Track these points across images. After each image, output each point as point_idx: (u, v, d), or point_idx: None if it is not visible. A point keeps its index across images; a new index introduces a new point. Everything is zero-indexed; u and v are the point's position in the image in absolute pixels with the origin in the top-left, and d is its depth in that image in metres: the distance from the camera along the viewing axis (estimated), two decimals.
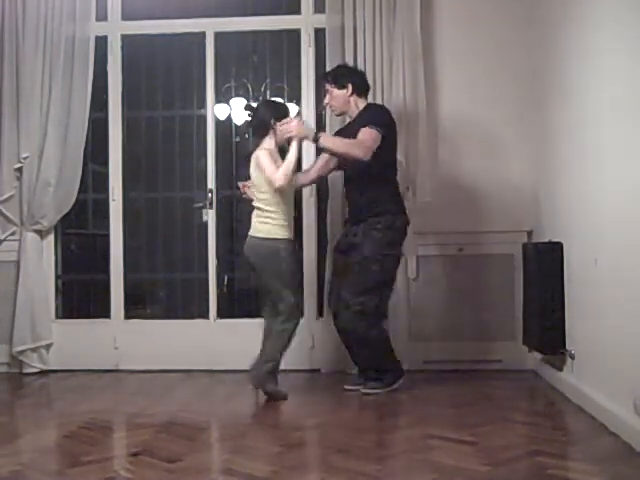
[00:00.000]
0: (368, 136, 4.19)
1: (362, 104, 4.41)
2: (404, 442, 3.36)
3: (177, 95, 5.60)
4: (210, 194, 5.27)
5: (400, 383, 4.41)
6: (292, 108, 4.57)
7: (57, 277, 5.42)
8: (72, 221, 5.51)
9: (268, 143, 4.23)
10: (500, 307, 4.99)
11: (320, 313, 5.12)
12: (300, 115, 4.39)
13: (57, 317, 5.36)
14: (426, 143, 4.94)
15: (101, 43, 5.28)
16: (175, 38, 5.42)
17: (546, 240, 4.42)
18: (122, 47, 5.33)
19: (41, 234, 5.22)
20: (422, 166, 4.93)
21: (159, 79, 5.63)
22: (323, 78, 4.54)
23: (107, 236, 5.35)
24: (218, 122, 5.49)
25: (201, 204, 5.31)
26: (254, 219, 4.24)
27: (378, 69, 4.97)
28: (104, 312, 5.33)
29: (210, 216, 5.26)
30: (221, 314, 5.30)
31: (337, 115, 4.57)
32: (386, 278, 4.32)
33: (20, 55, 5.12)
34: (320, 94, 5.21)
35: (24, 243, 5.15)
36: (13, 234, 5.21)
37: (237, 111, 5.88)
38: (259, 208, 4.22)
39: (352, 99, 4.39)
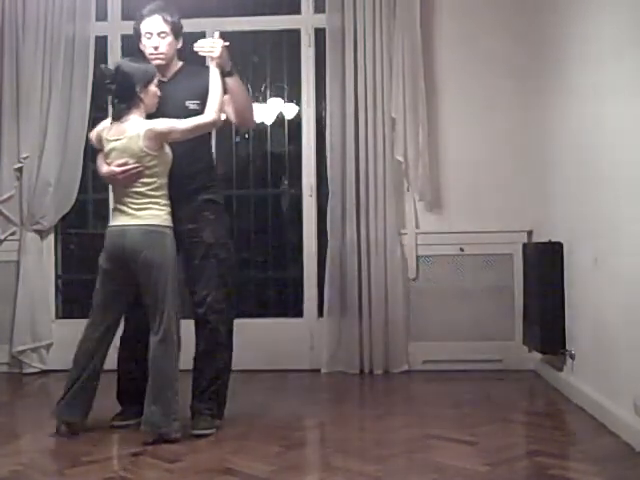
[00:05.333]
0: None
1: (178, 64, 3.72)
2: (404, 442, 3.35)
3: None
4: None
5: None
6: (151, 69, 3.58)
7: (57, 277, 5.42)
8: (72, 221, 5.51)
9: (138, 115, 3.47)
10: (500, 307, 4.99)
11: (320, 313, 5.12)
12: (223, 40, 3.59)
13: (57, 317, 5.36)
14: (426, 143, 4.94)
15: (101, 43, 5.28)
16: None
17: (546, 240, 4.42)
18: (122, 47, 5.33)
19: (41, 234, 5.22)
20: (422, 166, 4.94)
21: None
22: (160, 15, 3.64)
23: None
24: None
25: None
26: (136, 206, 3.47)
27: (378, 69, 4.98)
28: None
29: None
30: None
31: (159, 64, 3.62)
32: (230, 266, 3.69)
33: (20, 55, 5.12)
34: (320, 94, 5.23)
35: (24, 243, 5.15)
36: (13, 234, 5.21)
37: None
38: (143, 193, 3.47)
39: (176, 54, 3.72)
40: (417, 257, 5.04)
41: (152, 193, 3.44)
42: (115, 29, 5.33)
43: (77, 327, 5.40)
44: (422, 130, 4.94)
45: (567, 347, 4.15)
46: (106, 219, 5.36)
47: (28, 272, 5.13)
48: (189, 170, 3.59)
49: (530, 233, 4.97)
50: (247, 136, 5.70)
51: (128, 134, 3.42)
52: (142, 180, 3.43)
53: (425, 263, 5.07)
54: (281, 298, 5.71)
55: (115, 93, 3.49)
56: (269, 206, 5.67)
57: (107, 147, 3.49)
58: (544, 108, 4.65)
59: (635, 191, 3.12)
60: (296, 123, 5.41)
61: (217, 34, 3.63)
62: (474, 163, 5.03)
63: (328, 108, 5.09)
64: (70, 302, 5.55)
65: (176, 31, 3.66)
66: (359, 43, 4.99)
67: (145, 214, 3.43)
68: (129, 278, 3.46)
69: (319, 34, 5.20)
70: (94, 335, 3.52)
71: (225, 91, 3.57)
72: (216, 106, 3.48)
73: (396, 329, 4.95)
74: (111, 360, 3.71)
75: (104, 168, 3.53)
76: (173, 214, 3.51)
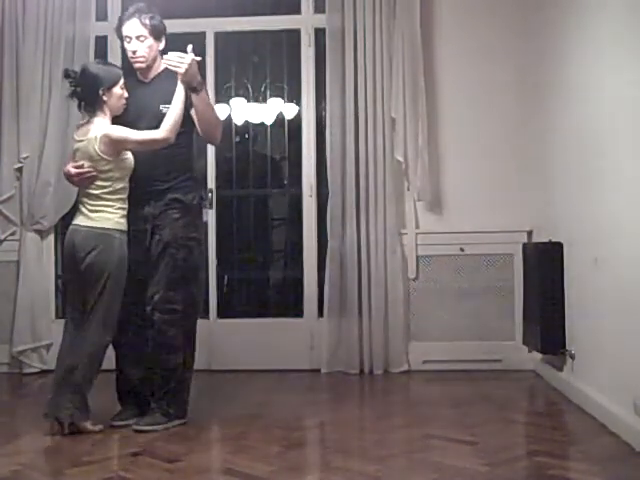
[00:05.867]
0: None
1: (162, 65, 3.67)
2: (404, 442, 3.36)
3: None
4: (210, 194, 5.27)
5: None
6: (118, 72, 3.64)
7: (57, 277, 5.41)
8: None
9: (102, 117, 3.51)
10: (500, 307, 4.99)
11: (320, 313, 5.12)
12: (194, 55, 3.55)
13: (57, 317, 5.35)
14: (426, 143, 4.94)
15: (101, 43, 5.27)
16: (175, 38, 5.39)
17: (546, 240, 4.42)
18: (122, 47, 5.32)
19: (41, 234, 5.22)
20: (422, 166, 4.93)
21: None
22: (138, 19, 3.61)
23: None
24: None
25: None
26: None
27: (378, 69, 4.98)
28: None
29: (210, 216, 5.26)
30: (221, 314, 5.29)
31: (140, 67, 3.67)
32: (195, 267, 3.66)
33: (20, 55, 5.13)
34: (320, 94, 5.23)
35: (24, 243, 5.15)
36: (13, 234, 5.21)
37: (237, 111, 5.88)
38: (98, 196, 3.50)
39: (159, 55, 3.69)
40: (417, 257, 5.04)
41: (106, 196, 3.47)
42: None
43: None
44: (422, 130, 4.94)
45: (567, 347, 4.15)
46: None
47: (28, 272, 5.13)
48: (161, 170, 3.57)
49: (530, 233, 4.97)
50: (247, 136, 5.71)
51: (89, 136, 3.46)
52: (97, 183, 3.47)
53: (425, 263, 5.07)
54: (281, 298, 5.71)
55: (80, 95, 3.52)
56: (269, 206, 5.68)
57: (74, 146, 3.54)
58: (544, 107, 4.64)
59: (635, 191, 3.12)
60: (296, 123, 5.41)
61: (190, 48, 3.56)
62: (474, 163, 5.03)
63: (328, 108, 5.09)
64: None
65: (156, 33, 3.65)
66: (359, 43, 4.99)
67: (97, 216, 3.47)
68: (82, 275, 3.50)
69: (319, 34, 5.20)
70: (68, 332, 3.58)
71: (191, 105, 3.55)
72: (169, 124, 3.46)
73: (396, 329, 4.95)
74: (110, 360, 3.71)
75: (66, 167, 3.56)
76: (141, 213, 3.54)
